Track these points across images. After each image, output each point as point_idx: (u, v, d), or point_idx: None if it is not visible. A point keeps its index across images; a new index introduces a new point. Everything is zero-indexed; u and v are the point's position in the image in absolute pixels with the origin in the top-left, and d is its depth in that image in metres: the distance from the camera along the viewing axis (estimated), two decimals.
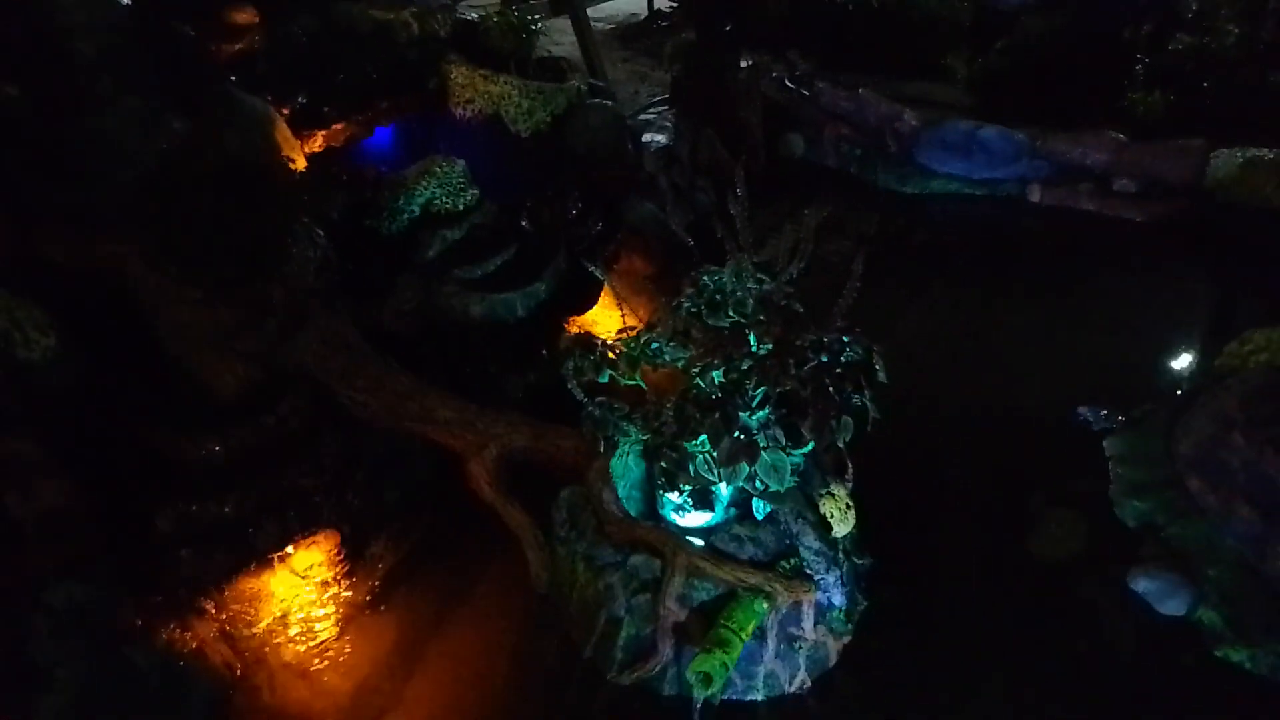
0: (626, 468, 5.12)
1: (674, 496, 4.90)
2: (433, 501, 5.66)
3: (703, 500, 4.84)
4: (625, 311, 5.57)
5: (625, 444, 4.99)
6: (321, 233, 5.48)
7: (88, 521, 4.24)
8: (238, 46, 6.77)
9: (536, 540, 5.21)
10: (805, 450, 4.29)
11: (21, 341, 4.40)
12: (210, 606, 4.79)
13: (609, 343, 4.81)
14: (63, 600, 4.09)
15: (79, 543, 4.18)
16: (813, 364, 4.07)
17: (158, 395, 4.83)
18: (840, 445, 4.14)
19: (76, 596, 4.14)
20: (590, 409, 4.82)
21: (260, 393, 5.00)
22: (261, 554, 4.72)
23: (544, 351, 6.31)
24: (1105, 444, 6.11)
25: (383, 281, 6.04)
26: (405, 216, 6.26)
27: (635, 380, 4.80)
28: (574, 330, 6.34)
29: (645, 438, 4.77)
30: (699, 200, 9.77)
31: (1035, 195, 10.03)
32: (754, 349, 4.21)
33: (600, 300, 6.75)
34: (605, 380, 4.78)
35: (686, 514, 4.85)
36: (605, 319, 6.99)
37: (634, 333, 4.74)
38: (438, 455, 5.63)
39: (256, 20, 6.94)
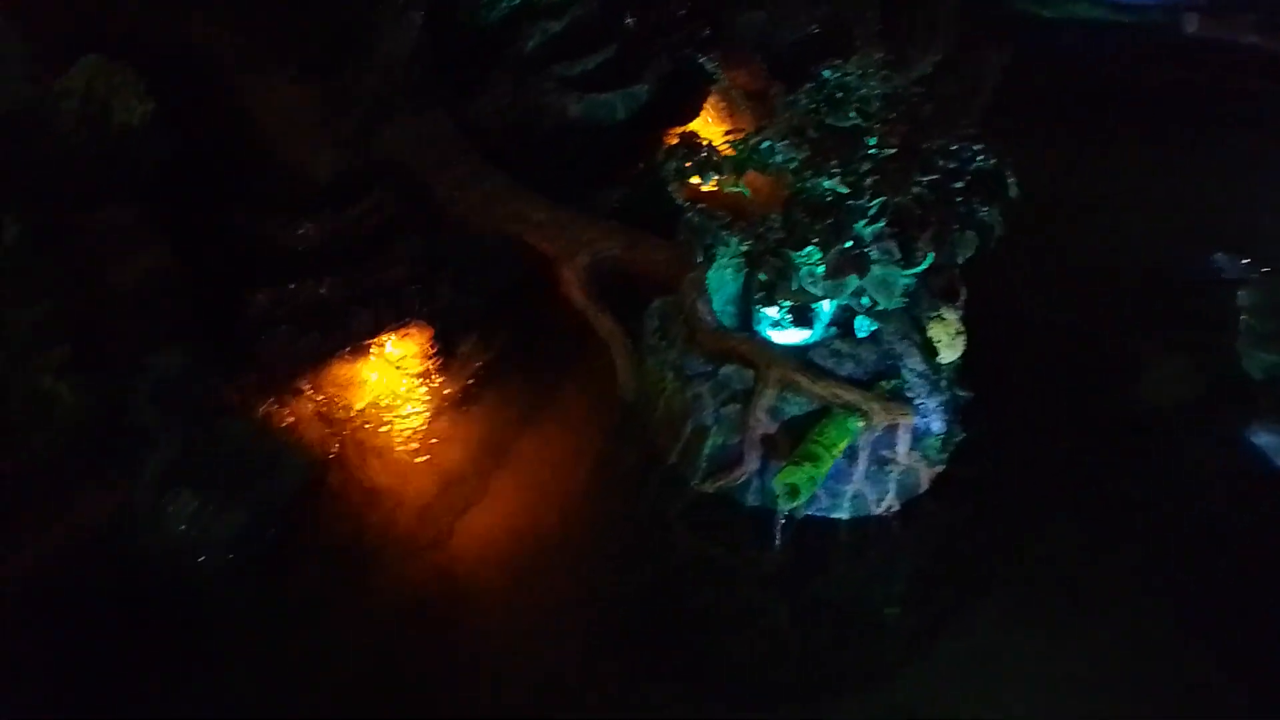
0: (722, 281, 4.91)
1: (771, 312, 4.70)
2: (522, 305, 5.59)
3: (801, 317, 4.63)
4: (731, 120, 5.23)
5: (723, 255, 4.76)
6: (418, 16, 5.19)
7: (184, 293, 4.27)
8: None
9: (625, 348, 5.12)
10: (920, 268, 4.01)
11: (121, 107, 4.34)
12: (305, 387, 4.88)
13: (714, 145, 4.51)
14: (162, 368, 4.19)
15: (176, 313, 4.24)
16: (939, 171, 3.73)
17: (250, 177, 4.77)
18: (957, 264, 3.84)
19: (174, 365, 4.23)
20: (690, 215, 4.59)
21: (352, 181, 4.90)
22: (356, 340, 4.74)
23: (640, 163, 6.03)
24: (1239, 295, 5.64)
25: (477, 76, 5.77)
26: (504, 5, 5.90)
27: (739, 187, 4.52)
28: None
29: (745, 248, 4.53)
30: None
31: (1191, 25, 8.98)
32: (875, 153, 3.87)
33: (704, 110, 6.37)
34: (709, 183, 4.51)
35: (783, 331, 4.66)
36: (707, 131, 6.62)
37: (742, 135, 4.42)
38: (529, 259, 5.52)
39: None
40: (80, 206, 3.98)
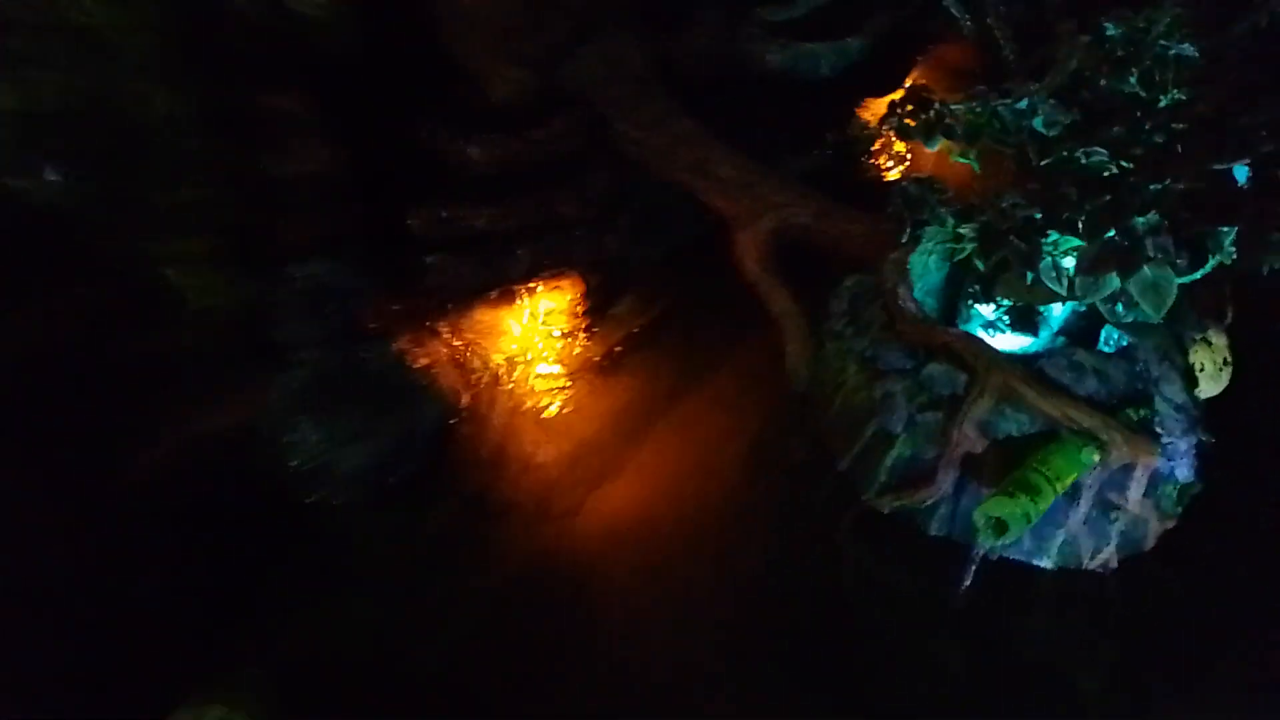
0: (925, 268, 4.23)
1: (986, 311, 4.00)
2: (690, 267, 5.04)
3: (1023, 321, 3.91)
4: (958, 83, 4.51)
5: (930, 238, 4.08)
6: None
7: (342, 200, 3.91)
8: None
9: (800, 330, 4.50)
10: (1198, 274, 3.22)
11: None
12: (448, 324, 4.49)
13: (949, 103, 3.82)
14: (309, 278, 3.85)
15: (331, 219, 3.88)
16: (1256, 155, 2.93)
17: (429, 86, 4.37)
18: (1261, 273, 3.04)
19: (322, 276, 3.89)
20: (906, 185, 3.92)
21: (534, 105, 4.44)
22: (509, 280, 4.31)
23: (840, 125, 5.37)
24: None
25: (676, 12, 5.23)
26: None
27: (969, 158, 3.82)
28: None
29: (964, 230, 3.83)
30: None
31: None
32: (1169, 125, 3.11)
33: (924, 69, 5.64)
34: (934, 147, 3.83)
35: (998, 335, 3.95)
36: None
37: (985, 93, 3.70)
38: (706, 216, 4.96)
39: None
40: (246, 91, 3.66)
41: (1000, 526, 3.27)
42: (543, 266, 4.32)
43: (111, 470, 3.50)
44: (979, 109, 3.70)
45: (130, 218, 3.22)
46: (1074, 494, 3.47)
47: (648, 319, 4.99)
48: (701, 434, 4.50)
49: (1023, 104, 3.41)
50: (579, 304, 4.79)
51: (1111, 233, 3.15)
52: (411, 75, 4.39)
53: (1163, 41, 3.26)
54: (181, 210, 3.33)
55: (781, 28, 5.22)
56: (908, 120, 3.81)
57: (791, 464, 4.26)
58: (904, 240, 4.02)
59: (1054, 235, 3.32)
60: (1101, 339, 3.63)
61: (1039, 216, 3.24)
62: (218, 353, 3.71)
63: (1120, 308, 3.37)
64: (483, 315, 4.52)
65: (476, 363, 4.55)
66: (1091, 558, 3.62)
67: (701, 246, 5.03)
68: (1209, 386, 3.55)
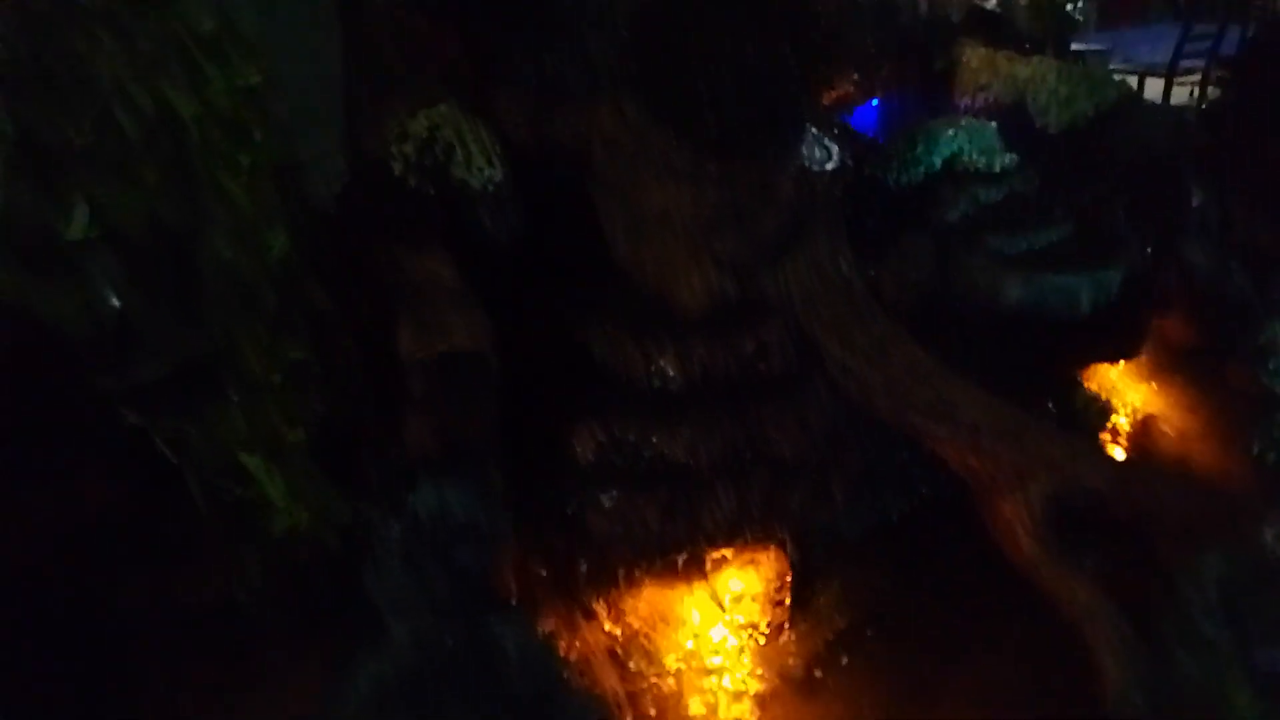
0: None
1: None
2: (929, 542, 3.70)
3: None
4: None
5: None
6: (837, 125, 3.97)
7: (483, 399, 2.80)
8: None
9: (1121, 636, 3.06)
10: None
11: (463, 161, 3.22)
12: (605, 607, 3.18)
13: None
14: (431, 504, 2.65)
15: (469, 425, 2.74)
16: None
17: (600, 283, 3.44)
18: None
19: (447, 507, 2.69)
20: None
21: (730, 316, 3.45)
22: (701, 537, 3.04)
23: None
24: None
25: (885, 239, 4.39)
26: (922, 168, 4.61)
27: None
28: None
29: None
30: (1231, 286, 7.28)
31: None
32: None
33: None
34: None
35: None
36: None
37: None
38: (941, 474, 3.71)
39: None
40: (387, 250, 2.76)
41: None
42: (749, 518, 3.06)
43: None
44: None
45: (205, 387, 2.13)
46: None
47: (870, 614, 3.60)
48: None
49: None
50: (780, 587, 3.45)
51: None
52: (582, 268, 3.48)
53: None
54: (281, 388, 2.25)
55: (1018, 259, 4.32)
56: None
57: None
58: None
59: None
60: None
61: None
62: (285, 610, 2.43)
63: None
64: (655, 592, 3.21)
65: (643, 661, 3.16)
66: None
67: (938, 514, 3.75)
68: None
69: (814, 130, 3.64)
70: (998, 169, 4.72)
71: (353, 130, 3.68)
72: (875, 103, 6.13)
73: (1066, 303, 4.17)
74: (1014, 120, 5.90)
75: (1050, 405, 4.64)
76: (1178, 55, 8.98)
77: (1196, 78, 9.11)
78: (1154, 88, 8.93)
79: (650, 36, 3.60)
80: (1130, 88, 6.14)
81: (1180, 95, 8.95)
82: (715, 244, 3.53)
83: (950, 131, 4.77)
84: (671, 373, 3.14)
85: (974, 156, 4.71)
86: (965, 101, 6.22)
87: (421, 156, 3.19)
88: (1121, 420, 4.95)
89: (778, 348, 3.36)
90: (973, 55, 6.20)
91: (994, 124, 5.02)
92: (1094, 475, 3.46)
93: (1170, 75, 8.98)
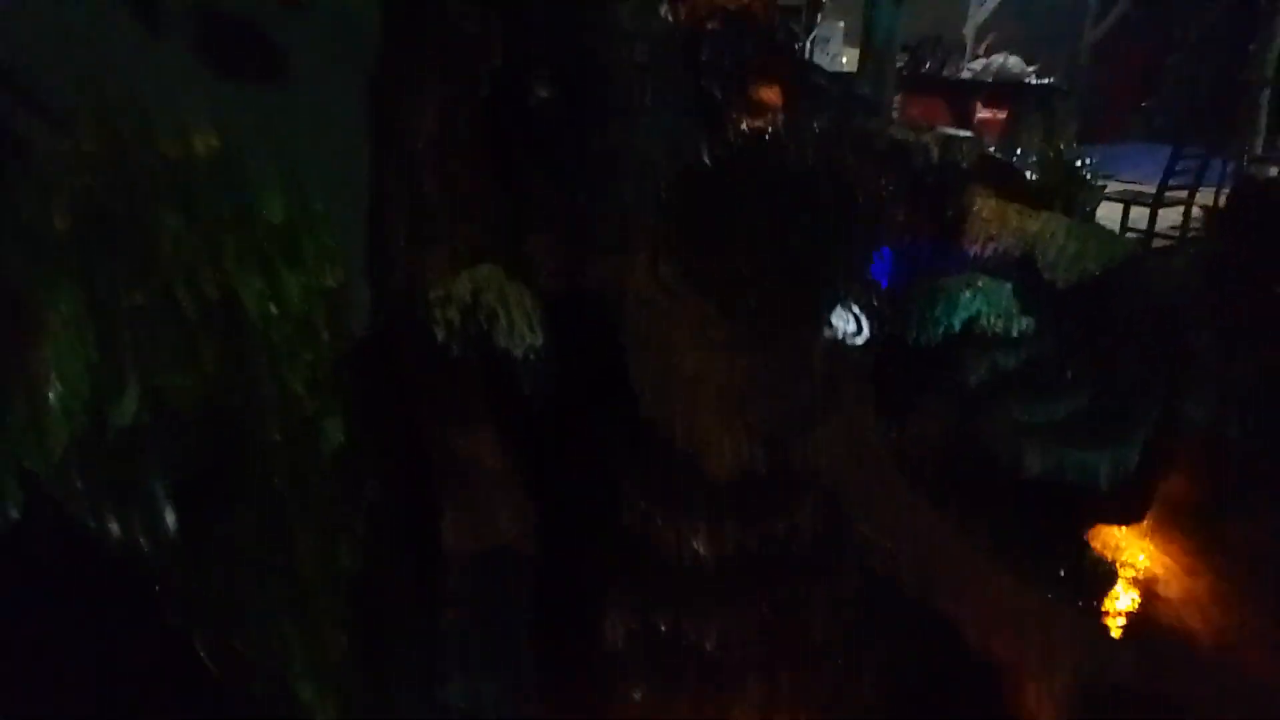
0: None
1: None
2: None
3: None
4: None
5: None
6: (870, 294, 4.03)
7: (514, 587, 2.75)
8: (756, 124, 5.95)
9: None
10: None
11: (505, 328, 3.23)
12: None
13: None
14: (463, 699, 2.56)
15: (499, 619, 2.68)
16: None
17: (631, 453, 3.42)
18: None
19: (483, 700, 2.60)
20: None
21: (762, 487, 3.43)
22: None
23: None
24: None
25: (905, 400, 4.41)
26: (941, 329, 4.67)
27: None
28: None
29: None
30: (1229, 441, 7.37)
31: None
32: None
33: None
34: None
35: None
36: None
37: None
38: (969, 659, 3.66)
39: (779, 103, 6.14)
40: (437, 436, 2.73)
41: None
42: (778, 707, 2.99)
43: None
44: None
45: (247, 579, 2.08)
46: None
47: None
48: None
49: None
50: None
51: None
52: (613, 437, 3.47)
53: None
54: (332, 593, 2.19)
55: (1037, 430, 4.35)
56: None
57: None
58: None
59: None
60: None
61: None
62: None
63: None
64: None
65: None
66: None
67: (965, 702, 3.68)
68: None
69: (848, 301, 3.70)
70: (1015, 333, 4.80)
71: (381, 266, 3.69)
72: (886, 251, 6.24)
73: (1085, 477, 4.21)
74: (1023, 275, 6.04)
75: (1060, 570, 4.64)
76: (1165, 183, 9.23)
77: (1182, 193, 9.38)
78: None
79: (689, 204, 3.68)
80: (1135, 245, 6.31)
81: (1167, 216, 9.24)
82: (747, 412, 3.54)
83: (969, 293, 4.84)
84: (707, 550, 3.10)
85: (992, 320, 4.79)
86: (975, 249, 6.35)
87: (465, 323, 3.19)
88: (1126, 584, 4.95)
89: (809, 526, 3.33)
90: (984, 205, 6.34)
91: (1009, 285, 5.11)
92: (1121, 665, 3.43)
93: (1156, 204, 9.22)
